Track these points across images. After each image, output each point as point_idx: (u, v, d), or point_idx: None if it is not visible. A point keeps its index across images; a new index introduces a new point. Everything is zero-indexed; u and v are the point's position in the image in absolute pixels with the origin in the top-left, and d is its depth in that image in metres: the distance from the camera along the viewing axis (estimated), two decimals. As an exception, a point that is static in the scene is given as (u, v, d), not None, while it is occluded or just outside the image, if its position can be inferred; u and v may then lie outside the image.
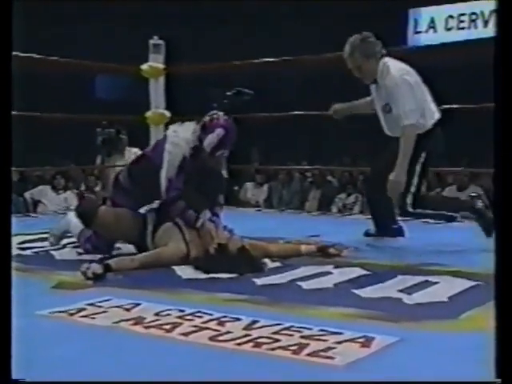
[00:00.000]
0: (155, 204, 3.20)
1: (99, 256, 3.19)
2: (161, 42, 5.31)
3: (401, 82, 3.10)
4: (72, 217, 3.43)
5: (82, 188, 8.00)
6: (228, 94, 3.28)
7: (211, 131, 3.04)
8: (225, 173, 3.29)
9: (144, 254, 2.95)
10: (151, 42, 5.30)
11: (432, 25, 11.32)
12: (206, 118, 3.11)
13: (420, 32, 11.36)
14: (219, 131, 3.04)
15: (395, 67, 3.17)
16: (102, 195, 4.19)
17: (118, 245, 3.36)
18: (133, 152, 5.59)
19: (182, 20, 12.10)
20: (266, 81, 11.25)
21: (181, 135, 3.11)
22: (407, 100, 3.09)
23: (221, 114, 3.11)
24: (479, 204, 3.31)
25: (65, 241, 3.53)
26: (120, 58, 5.78)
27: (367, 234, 3.64)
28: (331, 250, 3.16)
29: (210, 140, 3.03)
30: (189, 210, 3.02)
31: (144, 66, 5.25)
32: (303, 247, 3.20)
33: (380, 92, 3.23)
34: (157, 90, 5.29)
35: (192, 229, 3.00)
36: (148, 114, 5.29)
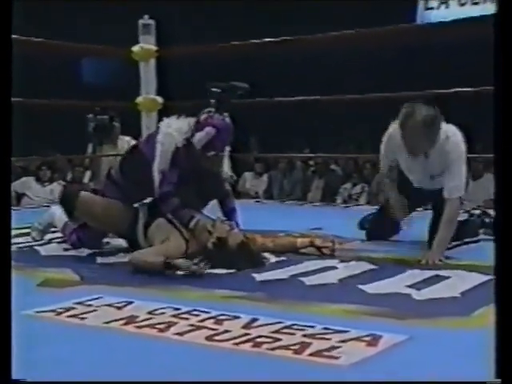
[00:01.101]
0: (148, 200, 3.21)
1: (88, 251, 3.20)
2: (151, 21, 5.30)
3: (459, 157, 3.08)
4: (56, 209, 3.44)
5: (69, 179, 8.00)
6: (217, 90, 3.22)
7: (201, 128, 3.04)
8: (226, 171, 3.27)
9: (153, 248, 2.94)
10: (141, 21, 5.29)
11: (444, 0, 11.29)
12: (203, 115, 3.10)
13: (432, 8, 11.33)
14: (209, 130, 3.02)
15: (455, 141, 3.10)
16: (91, 187, 4.19)
17: (106, 239, 3.38)
18: (125, 141, 5.60)
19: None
20: (265, 63, 11.23)
21: (174, 125, 3.11)
22: (462, 174, 3.09)
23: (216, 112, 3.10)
24: (487, 220, 3.51)
25: (50, 236, 3.54)
26: (108, 39, 5.77)
27: (363, 227, 3.60)
28: (321, 243, 3.13)
29: (199, 137, 3.02)
30: (183, 209, 3.02)
31: (135, 48, 5.24)
32: (299, 241, 3.20)
33: (432, 162, 3.14)
34: (148, 74, 5.29)
35: (190, 229, 2.99)
36: (139, 99, 5.29)
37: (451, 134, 3.11)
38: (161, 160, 3.04)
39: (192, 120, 3.12)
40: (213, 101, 3.20)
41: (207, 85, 3.31)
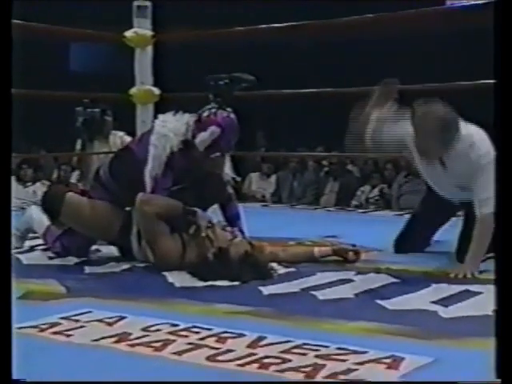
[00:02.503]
0: None
1: (75, 259, 3.20)
2: (147, 3, 5.31)
3: (488, 167, 2.90)
4: (34, 211, 3.41)
5: (54, 179, 8.03)
6: (220, 83, 3.20)
7: (204, 128, 3.03)
8: (228, 173, 3.28)
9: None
10: (135, 3, 5.29)
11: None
12: (204, 112, 3.09)
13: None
14: (213, 129, 3.02)
15: (481, 147, 2.98)
16: (80, 188, 4.19)
17: (95, 246, 3.38)
18: (118, 137, 5.60)
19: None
20: (273, 51, 11.24)
21: (169, 125, 3.10)
22: (489, 186, 2.82)
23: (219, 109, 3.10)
24: None
25: (34, 242, 3.55)
26: (98, 22, 5.79)
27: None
28: (349, 254, 3.16)
29: (202, 138, 3.02)
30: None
31: (128, 33, 5.24)
32: (316, 250, 3.21)
33: (449, 170, 3.10)
34: (143, 62, 5.29)
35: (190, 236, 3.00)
36: (133, 90, 5.29)
37: (477, 139, 3.01)
38: (153, 164, 3.03)
39: (191, 118, 3.11)
40: (213, 95, 3.19)
41: (207, 78, 3.30)
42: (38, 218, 3.36)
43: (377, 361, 1.84)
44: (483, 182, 2.95)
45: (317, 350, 1.92)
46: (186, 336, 2.07)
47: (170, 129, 3.08)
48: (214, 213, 3.28)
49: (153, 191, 3.03)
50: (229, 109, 3.14)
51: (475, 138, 3.02)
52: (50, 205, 3.19)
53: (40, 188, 7.42)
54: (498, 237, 1.55)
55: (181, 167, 3.06)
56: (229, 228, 3.00)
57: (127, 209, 3.17)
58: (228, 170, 3.30)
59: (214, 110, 3.09)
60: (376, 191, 7.87)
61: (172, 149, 3.04)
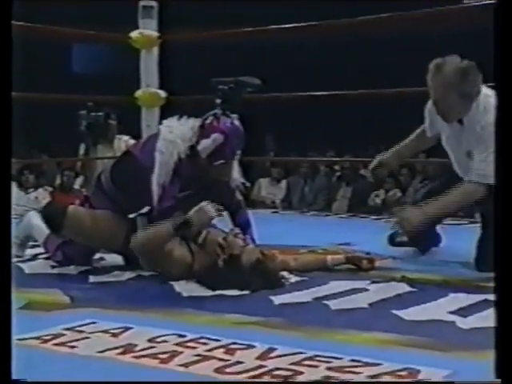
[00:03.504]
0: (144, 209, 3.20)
1: (79, 268, 3.20)
2: (153, 3, 5.32)
3: (490, 137, 2.76)
4: (32, 218, 3.41)
5: (57, 185, 8.05)
6: (224, 88, 3.19)
7: (207, 135, 3.03)
8: (238, 179, 3.28)
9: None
10: (141, 3, 5.31)
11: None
12: (208, 119, 3.09)
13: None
14: (216, 137, 3.02)
15: (492, 114, 2.87)
16: (83, 194, 4.20)
17: (100, 255, 3.39)
18: (123, 141, 5.59)
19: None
20: (283, 52, 11.27)
21: (176, 131, 3.09)
22: (488, 158, 2.90)
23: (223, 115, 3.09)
24: None
25: (36, 250, 3.55)
26: (103, 23, 5.80)
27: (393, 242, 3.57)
28: (363, 262, 3.16)
29: (205, 145, 3.02)
30: None
31: (134, 34, 5.26)
32: (329, 258, 3.21)
33: (467, 133, 3.05)
34: (149, 64, 5.31)
35: (199, 245, 3.00)
36: (138, 93, 5.31)
37: (492, 103, 2.90)
38: (160, 172, 3.03)
39: (195, 123, 3.11)
40: (218, 100, 3.18)
41: (212, 81, 3.29)
42: (38, 225, 3.35)
43: (392, 373, 1.84)
44: (482, 150, 2.94)
45: (329, 362, 1.91)
46: (194, 347, 2.07)
47: (177, 135, 3.07)
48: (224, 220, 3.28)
49: (160, 199, 3.02)
50: (234, 115, 3.14)
51: (491, 100, 2.95)
52: (51, 219, 3.18)
53: (42, 194, 7.45)
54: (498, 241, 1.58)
55: (188, 174, 3.06)
56: (241, 235, 2.99)
57: (131, 216, 3.17)
58: (237, 175, 3.29)
59: (217, 116, 3.08)
60: (390, 195, 7.85)
61: (179, 155, 3.04)
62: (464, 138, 3.08)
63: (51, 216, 3.19)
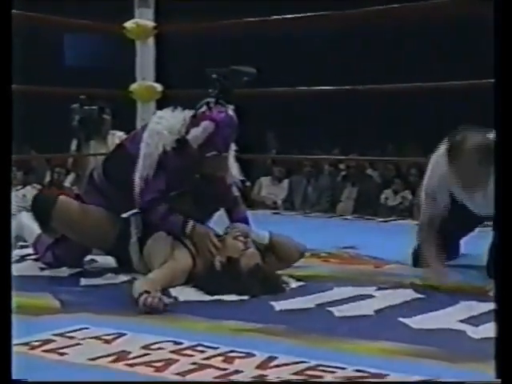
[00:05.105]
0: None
1: (69, 271, 3.20)
2: (150, -8, 5.32)
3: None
4: (24, 218, 3.42)
5: (47, 182, 8.05)
6: (217, 77, 3.20)
7: (198, 124, 3.03)
8: (235, 175, 3.28)
9: (158, 271, 2.90)
10: (138, -9, 5.31)
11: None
12: (201, 108, 3.10)
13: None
14: (206, 125, 3.01)
15: None
16: (74, 192, 4.21)
17: (92, 256, 3.38)
18: (117, 136, 5.62)
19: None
20: (285, 44, 11.25)
21: (164, 122, 3.10)
22: None
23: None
24: None
25: (24, 251, 3.55)
26: (96, 12, 5.80)
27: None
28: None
29: (195, 134, 3.02)
30: (172, 215, 3.03)
31: (128, 24, 5.26)
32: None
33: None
34: (145, 56, 5.31)
35: (187, 238, 3.00)
36: (133, 86, 5.31)
37: None
38: (144, 163, 3.03)
39: (188, 114, 3.12)
40: (212, 90, 3.19)
41: (206, 71, 3.30)
42: (29, 225, 3.36)
43: (398, 385, 1.84)
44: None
45: (333, 372, 1.91)
46: (191, 355, 2.07)
47: (164, 126, 3.08)
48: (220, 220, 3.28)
49: (142, 192, 3.02)
50: (230, 105, 3.14)
51: None
52: (40, 208, 3.18)
53: (30, 192, 7.44)
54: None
55: (175, 167, 3.05)
56: (242, 238, 2.98)
57: (124, 215, 3.16)
58: (236, 172, 3.30)
59: (210, 106, 3.09)
60: (398, 198, 7.85)
61: (165, 147, 3.04)
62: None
63: (40, 204, 3.19)
